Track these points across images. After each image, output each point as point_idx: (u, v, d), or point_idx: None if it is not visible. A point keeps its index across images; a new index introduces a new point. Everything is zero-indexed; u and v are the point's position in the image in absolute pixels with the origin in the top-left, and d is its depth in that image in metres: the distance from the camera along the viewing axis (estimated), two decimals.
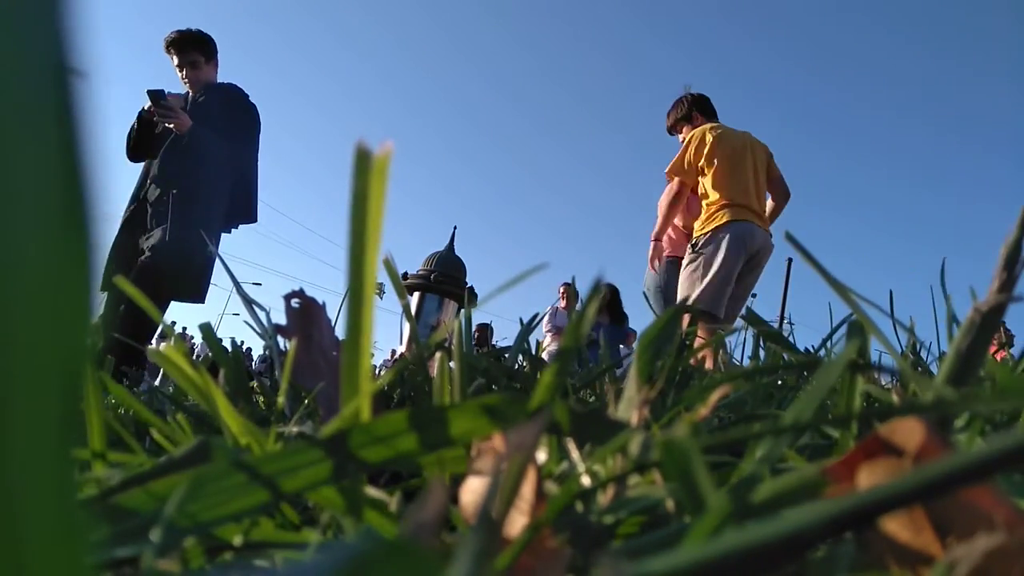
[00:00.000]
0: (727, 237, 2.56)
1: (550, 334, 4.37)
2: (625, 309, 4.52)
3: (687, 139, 2.74)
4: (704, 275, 2.55)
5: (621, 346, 4.27)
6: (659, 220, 2.85)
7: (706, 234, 2.63)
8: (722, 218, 2.61)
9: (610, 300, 4.28)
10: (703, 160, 2.67)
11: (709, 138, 2.68)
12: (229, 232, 2.65)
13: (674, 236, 3.09)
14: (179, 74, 2.51)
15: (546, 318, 4.46)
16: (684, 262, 2.69)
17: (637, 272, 3.31)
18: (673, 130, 2.98)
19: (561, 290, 4.63)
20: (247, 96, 2.62)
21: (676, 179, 2.76)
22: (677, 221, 3.07)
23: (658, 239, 2.89)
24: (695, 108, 2.90)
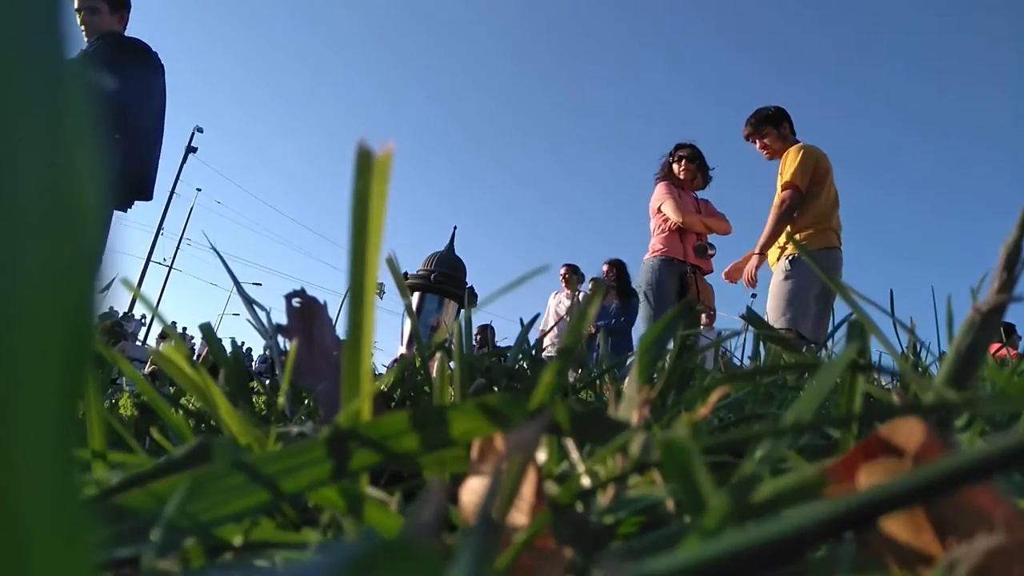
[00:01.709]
0: (826, 263, 2.48)
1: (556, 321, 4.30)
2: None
3: (802, 153, 2.57)
4: (801, 298, 2.47)
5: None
6: (768, 232, 2.58)
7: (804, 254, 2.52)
8: (826, 241, 2.53)
9: (616, 278, 4.22)
10: (819, 178, 2.55)
11: (823, 161, 2.56)
12: (124, 211, 2.24)
13: (670, 236, 3.08)
14: (76, 18, 2.12)
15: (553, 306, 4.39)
16: (779, 276, 2.56)
17: (634, 267, 3.30)
18: (756, 135, 2.77)
19: (562, 272, 4.56)
20: (150, 51, 2.17)
21: (792, 190, 2.54)
22: (675, 218, 3.05)
23: (763, 252, 2.64)
24: (785, 117, 2.74)
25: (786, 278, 2.52)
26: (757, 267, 2.64)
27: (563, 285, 4.56)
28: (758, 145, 2.77)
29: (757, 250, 2.64)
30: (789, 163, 2.58)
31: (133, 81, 2.09)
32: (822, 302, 2.49)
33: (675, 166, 3.25)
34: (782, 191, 2.57)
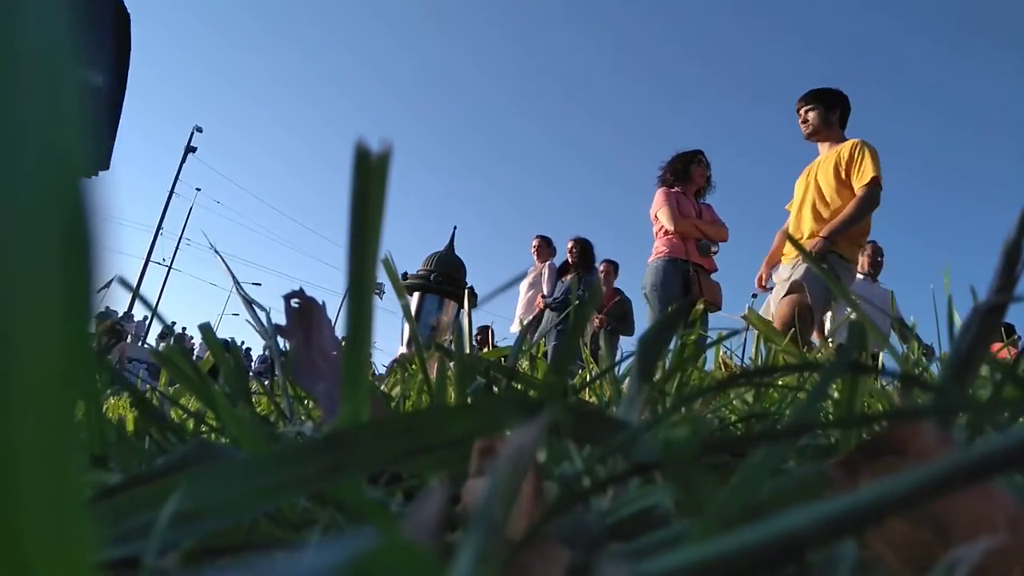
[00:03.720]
0: (843, 277, 2.43)
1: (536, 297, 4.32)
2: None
3: (873, 151, 2.43)
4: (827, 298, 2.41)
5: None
6: (844, 221, 2.43)
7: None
8: (852, 256, 2.48)
9: (579, 255, 4.30)
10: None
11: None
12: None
13: (673, 238, 3.09)
14: None
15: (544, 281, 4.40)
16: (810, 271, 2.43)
17: (637, 265, 3.30)
18: (805, 106, 2.62)
19: (534, 243, 4.62)
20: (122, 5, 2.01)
21: (877, 187, 2.40)
22: (668, 226, 3.06)
23: (831, 239, 2.46)
24: (839, 104, 2.59)
25: (825, 268, 2.43)
26: (820, 249, 2.47)
27: (534, 256, 4.61)
28: (800, 117, 2.65)
29: (825, 233, 2.48)
30: (865, 158, 2.44)
31: (89, 38, 1.93)
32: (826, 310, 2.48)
33: (696, 168, 3.26)
34: (865, 186, 2.41)
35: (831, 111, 2.61)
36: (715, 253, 3.20)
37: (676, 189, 3.24)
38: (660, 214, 3.14)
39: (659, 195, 3.23)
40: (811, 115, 2.63)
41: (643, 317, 3.46)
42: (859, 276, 3.27)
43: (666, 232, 3.13)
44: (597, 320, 4.12)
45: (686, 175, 3.26)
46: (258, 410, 0.62)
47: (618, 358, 0.65)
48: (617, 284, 4.54)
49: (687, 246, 3.13)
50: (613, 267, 4.56)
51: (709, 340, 0.59)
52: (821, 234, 2.49)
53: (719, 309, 3.23)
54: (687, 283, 3.07)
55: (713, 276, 3.23)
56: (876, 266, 3.60)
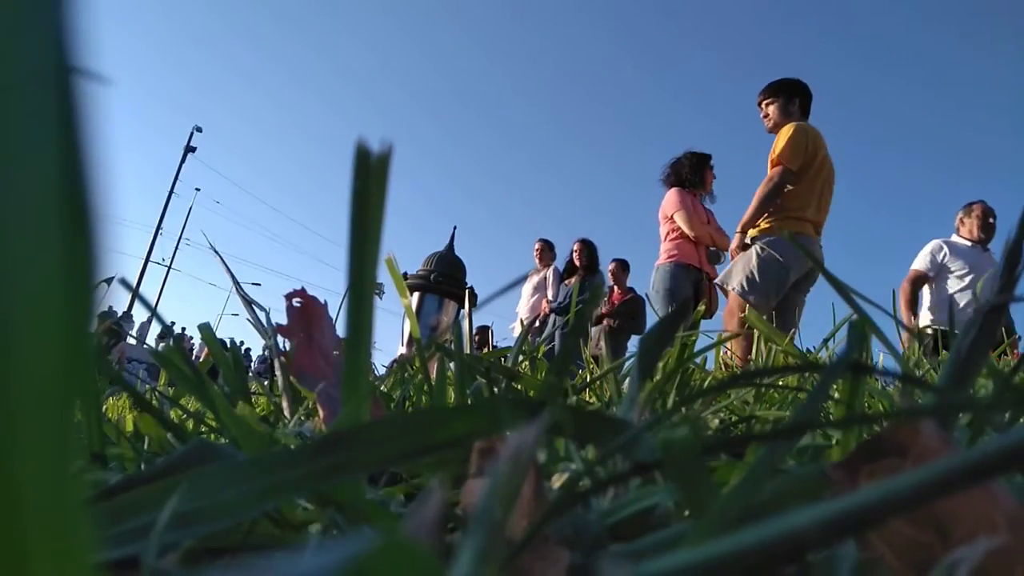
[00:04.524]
0: (794, 252, 2.38)
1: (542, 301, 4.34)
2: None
3: (793, 130, 2.44)
4: (765, 279, 2.43)
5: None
6: (752, 210, 2.47)
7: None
8: (798, 230, 2.45)
9: (587, 257, 4.30)
10: (808, 161, 2.44)
11: (816, 142, 2.45)
12: None
13: (684, 242, 3.04)
14: None
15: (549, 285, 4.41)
16: (750, 252, 2.46)
17: (646, 264, 3.28)
18: (764, 100, 2.63)
19: (537, 247, 4.66)
20: None
21: (780, 168, 2.42)
22: (687, 230, 3.01)
23: (745, 231, 2.51)
24: (798, 93, 2.58)
25: (757, 256, 2.42)
26: (738, 246, 2.52)
27: (536, 259, 4.63)
28: (762, 112, 2.65)
29: (739, 228, 2.53)
30: (780, 140, 2.45)
31: None
32: (789, 290, 2.45)
33: (708, 172, 3.21)
34: (771, 169, 2.45)
35: (790, 102, 2.58)
36: (721, 263, 3.17)
37: (687, 190, 3.18)
38: (677, 216, 3.06)
39: (674, 195, 3.13)
40: (771, 108, 2.61)
41: (653, 318, 3.44)
42: (967, 243, 3.04)
43: (680, 235, 3.06)
44: (605, 318, 4.09)
45: (700, 177, 3.19)
46: (258, 410, 0.62)
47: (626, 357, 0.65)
48: (629, 284, 4.53)
49: (699, 253, 3.07)
50: (623, 266, 4.55)
51: (710, 342, 0.59)
52: (737, 229, 2.53)
53: (711, 317, 3.21)
54: (698, 291, 3.02)
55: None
56: (987, 230, 3.05)
